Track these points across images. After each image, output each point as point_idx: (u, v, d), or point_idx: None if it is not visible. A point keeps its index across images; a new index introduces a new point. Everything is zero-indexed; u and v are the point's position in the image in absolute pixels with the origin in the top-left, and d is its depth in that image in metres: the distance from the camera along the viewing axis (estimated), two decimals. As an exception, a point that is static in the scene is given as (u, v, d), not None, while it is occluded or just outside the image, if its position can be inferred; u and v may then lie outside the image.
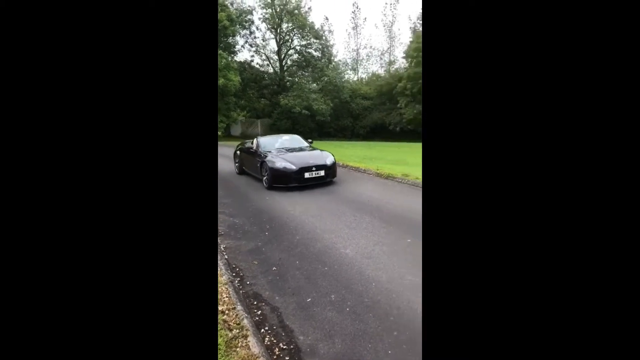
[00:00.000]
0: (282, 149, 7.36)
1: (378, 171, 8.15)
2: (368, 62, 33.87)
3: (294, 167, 6.28)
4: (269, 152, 7.00)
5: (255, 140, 7.74)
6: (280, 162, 6.38)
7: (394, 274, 3.02)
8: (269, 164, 6.39)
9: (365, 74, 32.24)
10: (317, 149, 7.61)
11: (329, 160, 6.78)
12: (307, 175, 6.30)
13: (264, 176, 6.58)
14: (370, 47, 42.18)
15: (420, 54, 23.52)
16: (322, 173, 6.45)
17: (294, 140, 8.16)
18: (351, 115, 25.79)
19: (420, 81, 22.79)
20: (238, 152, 8.44)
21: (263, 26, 24.55)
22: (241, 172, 8.25)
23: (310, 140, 8.37)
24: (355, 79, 30.96)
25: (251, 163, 7.48)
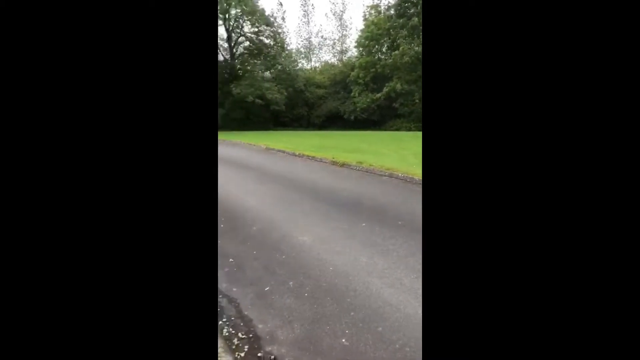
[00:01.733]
0: None
1: (334, 159, 8.27)
2: (321, 50, 33.85)
3: None
4: None
5: None
6: None
7: (350, 257, 3.11)
8: None
9: (319, 62, 32.28)
10: None
11: None
12: None
13: None
14: (322, 36, 42.07)
15: (372, 42, 23.96)
16: None
17: None
18: (306, 104, 25.73)
19: (372, 70, 23.28)
20: None
21: (210, 11, 23.36)
22: None
23: None
24: (309, 67, 30.86)
25: None
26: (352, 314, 2.30)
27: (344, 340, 2.06)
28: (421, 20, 21.92)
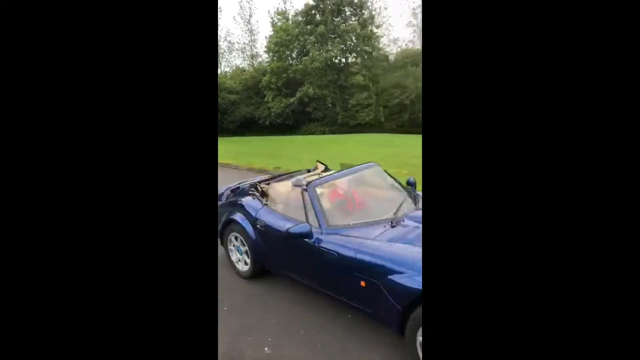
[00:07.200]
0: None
1: (250, 166, 8.15)
2: (230, 55, 32.90)
3: None
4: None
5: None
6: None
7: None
8: None
9: (229, 67, 31.43)
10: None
11: None
12: None
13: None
14: (229, 41, 40.95)
15: (281, 48, 24.22)
16: None
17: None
18: (218, 110, 24.83)
19: (284, 75, 23.55)
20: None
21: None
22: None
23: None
24: (219, 72, 29.87)
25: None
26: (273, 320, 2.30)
27: (266, 348, 2.05)
28: (327, 29, 22.94)
